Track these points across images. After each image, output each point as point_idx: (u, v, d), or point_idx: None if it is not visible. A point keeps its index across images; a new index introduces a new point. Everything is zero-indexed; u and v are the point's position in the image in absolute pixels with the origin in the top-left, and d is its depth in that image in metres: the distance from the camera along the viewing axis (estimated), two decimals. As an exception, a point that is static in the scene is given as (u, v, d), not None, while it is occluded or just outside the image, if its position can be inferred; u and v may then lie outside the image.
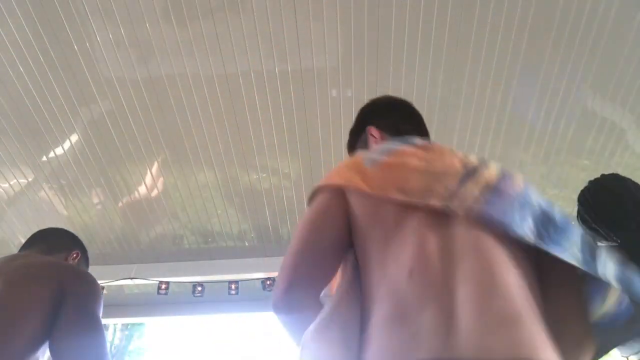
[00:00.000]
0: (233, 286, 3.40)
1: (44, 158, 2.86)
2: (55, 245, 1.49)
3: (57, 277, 1.21)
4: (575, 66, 2.41)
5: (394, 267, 0.75)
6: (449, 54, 2.37)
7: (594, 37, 2.29)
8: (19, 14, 2.20)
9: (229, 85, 2.51)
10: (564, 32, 2.28)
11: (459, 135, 2.69)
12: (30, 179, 2.99)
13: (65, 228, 1.67)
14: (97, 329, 1.18)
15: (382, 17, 2.25)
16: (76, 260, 1.51)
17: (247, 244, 3.42)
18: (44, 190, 3.06)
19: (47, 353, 1.16)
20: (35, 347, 1.12)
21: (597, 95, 2.55)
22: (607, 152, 2.79)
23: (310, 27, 2.28)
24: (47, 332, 1.14)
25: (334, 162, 2.88)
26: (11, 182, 3.00)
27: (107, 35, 2.30)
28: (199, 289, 3.41)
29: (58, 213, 3.17)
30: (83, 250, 1.57)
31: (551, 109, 2.60)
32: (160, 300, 3.48)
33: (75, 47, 2.34)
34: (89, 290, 1.25)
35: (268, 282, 3.35)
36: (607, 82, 2.48)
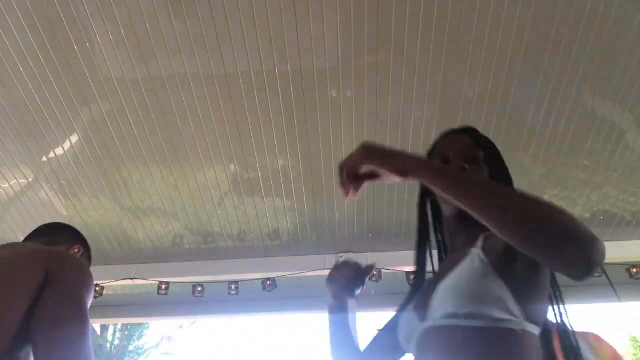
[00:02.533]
0: (233, 286, 3.41)
1: (44, 158, 2.87)
2: (58, 238, 1.45)
3: (44, 263, 1.13)
4: (575, 66, 2.41)
5: None
6: (449, 55, 2.37)
7: (594, 37, 2.29)
8: (19, 14, 2.20)
9: (229, 85, 2.51)
10: (564, 32, 2.28)
11: (459, 136, 2.68)
12: (30, 179, 2.99)
13: (56, 222, 1.63)
14: (80, 317, 1.07)
15: (382, 17, 2.25)
16: (77, 255, 1.48)
17: (247, 244, 3.42)
18: (44, 191, 3.06)
19: None
20: (24, 340, 1.04)
21: (597, 95, 2.55)
22: (607, 152, 2.79)
23: (310, 27, 2.28)
24: None
25: (334, 162, 2.88)
26: (11, 182, 3.00)
27: (107, 35, 2.30)
28: (199, 289, 3.41)
29: (58, 213, 3.17)
30: (86, 247, 1.52)
31: (551, 109, 2.60)
32: (160, 301, 3.48)
33: (75, 47, 2.34)
34: (76, 274, 1.15)
35: (268, 283, 3.35)
36: (607, 82, 2.47)
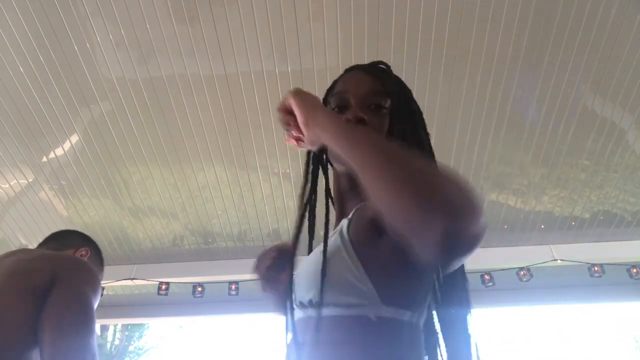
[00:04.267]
0: (233, 287, 3.41)
1: (44, 159, 2.86)
2: (65, 243, 1.47)
3: (51, 266, 1.16)
4: (575, 66, 2.41)
5: None
6: (449, 55, 2.37)
7: (594, 37, 2.29)
8: (19, 14, 2.21)
9: (229, 85, 2.51)
10: (564, 32, 2.28)
11: (459, 136, 2.69)
12: (30, 180, 2.99)
13: (66, 229, 1.65)
14: (85, 317, 1.09)
15: (382, 17, 2.25)
16: (85, 257, 1.48)
17: (247, 245, 3.42)
18: (44, 191, 3.06)
19: None
20: (32, 340, 1.06)
21: (597, 95, 2.55)
22: (607, 153, 2.79)
23: (310, 27, 2.28)
24: None
25: (334, 162, 2.88)
26: (11, 183, 3.00)
27: (107, 35, 2.30)
28: (199, 289, 3.41)
29: (58, 213, 3.17)
30: (95, 249, 1.53)
31: (551, 109, 2.60)
32: (161, 301, 3.48)
33: (75, 47, 2.34)
34: (80, 274, 1.17)
35: (268, 283, 3.34)
36: (607, 82, 2.47)
